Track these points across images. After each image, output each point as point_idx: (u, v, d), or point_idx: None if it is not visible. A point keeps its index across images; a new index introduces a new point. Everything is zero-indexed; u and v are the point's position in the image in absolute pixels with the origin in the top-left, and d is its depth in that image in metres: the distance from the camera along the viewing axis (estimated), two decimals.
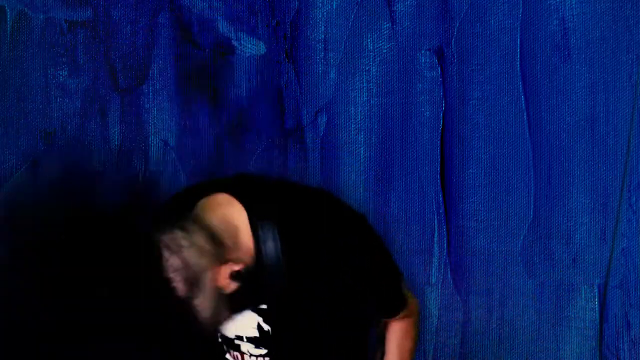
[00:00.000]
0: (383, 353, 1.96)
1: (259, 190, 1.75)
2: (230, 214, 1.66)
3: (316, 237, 1.72)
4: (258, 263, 1.66)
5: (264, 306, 1.80)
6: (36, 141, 2.50)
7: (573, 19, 2.29)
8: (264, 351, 1.90)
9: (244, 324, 1.87)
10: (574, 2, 2.29)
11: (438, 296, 2.40)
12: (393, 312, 1.92)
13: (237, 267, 1.63)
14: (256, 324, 1.86)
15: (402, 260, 2.35)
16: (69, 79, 2.49)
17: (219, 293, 1.63)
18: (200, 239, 1.58)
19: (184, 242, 1.58)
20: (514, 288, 2.39)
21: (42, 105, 2.50)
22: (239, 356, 1.95)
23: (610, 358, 2.35)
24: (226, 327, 1.88)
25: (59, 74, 2.49)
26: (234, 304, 1.70)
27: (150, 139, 2.48)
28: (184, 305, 1.59)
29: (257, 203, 1.69)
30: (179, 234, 1.58)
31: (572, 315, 2.37)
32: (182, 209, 1.66)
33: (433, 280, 2.40)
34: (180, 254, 1.57)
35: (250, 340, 1.89)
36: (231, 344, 1.93)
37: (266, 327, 1.85)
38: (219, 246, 1.60)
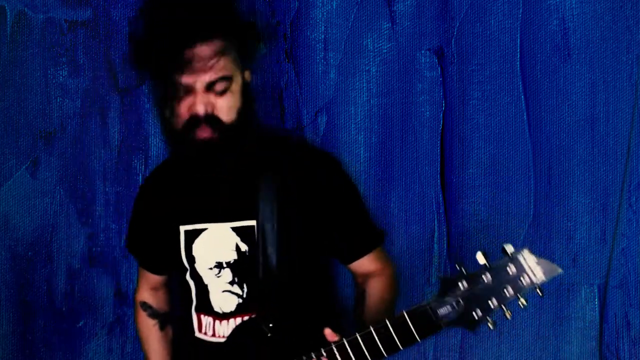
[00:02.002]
0: (363, 305, 2.01)
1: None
2: None
3: (301, 164, 2.00)
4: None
5: (245, 222, 1.97)
6: (36, 141, 2.51)
7: (573, 19, 2.29)
8: (233, 304, 1.97)
9: (223, 248, 2.00)
10: (574, 2, 2.29)
11: None
12: (369, 244, 2.08)
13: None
14: (234, 245, 1.99)
15: (402, 260, 2.36)
16: (69, 79, 2.49)
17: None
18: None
19: None
20: None
21: (42, 105, 2.50)
22: (211, 322, 2.02)
23: (610, 358, 2.35)
24: (206, 258, 2.02)
25: (59, 74, 2.49)
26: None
27: (150, 139, 2.48)
28: None
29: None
30: None
31: (572, 315, 2.37)
32: None
33: (433, 280, 2.40)
34: None
35: (229, 266, 2.00)
36: (205, 300, 2.01)
37: (244, 248, 1.98)
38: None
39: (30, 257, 2.53)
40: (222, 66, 1.87)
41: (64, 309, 2.53)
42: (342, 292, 2.37)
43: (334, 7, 2.38)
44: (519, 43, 2.32)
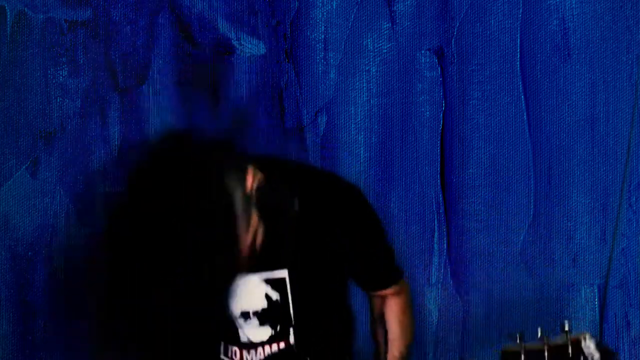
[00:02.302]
0: (385, 330, 1.99)
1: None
2: None
3: (326, 199, 1.85)
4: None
5: (274, 274, 1.85)
6: (36, 141, 2.50)
7: (573, 19, 2.29)
8: (265, 335, 1.91)
9: (252, 297, 1.89)
10: (574, 2, 2.29)
11: (438, 296, 2.40)
12: (389, 280, 2.02)
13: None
14: (264, 294, 1.88)
15: (402, 260, 2.35)
16: (69, 79, 2.49)
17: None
18: None
19: None
20: (514, 288, 2.39)
21: (42, 105, 2.50)
22: (237, 351, 1.96)
23: None
24: (232, 303, 1.90)
25: (59, 74, 2.49)
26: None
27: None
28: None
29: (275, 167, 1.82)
30: None
31: (572, 315, 2.37)
32: None
33: (433, 280, 2.40)
34: None
35: (256, 315, 1.90)
36: (232, 333, 1.94)
37: (274, 297, 1.88)
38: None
39: (30, 257, 2.53)
40: None
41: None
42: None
43: (334, 7, 2.38)
44: (519, 43, 2.32)
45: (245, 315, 1.91)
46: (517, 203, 2.35)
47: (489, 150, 2.35)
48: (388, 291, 2.06)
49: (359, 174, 2.37)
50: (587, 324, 2.37)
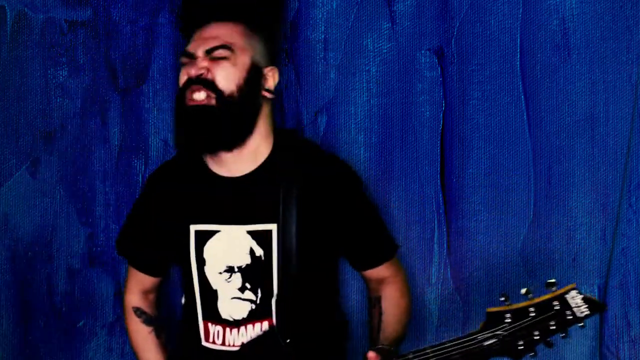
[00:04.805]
0: (380, 312, 2.00)
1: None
2: None
3: (326, 174, 1.98)
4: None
5: (262, 226, 1.92)
6: (36, 141, 2.50)
7: (573, 19, 2.29)
8: (245, 310, 1.92)
9: (236, 252, 1.94)
10: (574, 2, 2.29)
11: (438, 296, 2.40)
12: (383, 255, 2.09)
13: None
14: (249, 249, 1.93)
15: (402, 260, 2.35)
16: (69, 79, 2.49)
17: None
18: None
19: None
20: (514, 288, 2.38)
21: (42, 105, 2.50)
22: (220, 331, 1.97)
23: (610, 358, 2.35)
24: (217, 262, 1.95)
25: (59, 74, 2.49)
26: None
27: (150, 139, 2.48)
28: None
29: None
30: None
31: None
32: None
33: (433, 280, 2.40)
34: None
35: (241, 270, 1.94)
36: (212, 306, 1.97)
37: (259, 252, 1.93)
38: None
39: (30, 257, 2.53)
40: (226, 35, 1.91)
41: (64, 309, 2.53)
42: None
43: (334, 7, 2.38)
44: (519, 43, 2.32)
45: (230, 270, 1.93)
46: (517, 203, 2.35)
47: (489, 150, 2.35)
48: (383, 272, 2.07)
49: (359, 174, 2.37)
50: (587, 324, 2.37)
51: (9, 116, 2.50)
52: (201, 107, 1.86)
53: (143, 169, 2.47)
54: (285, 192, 1.92)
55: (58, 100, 2.49)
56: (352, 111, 2.39)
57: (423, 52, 2.36)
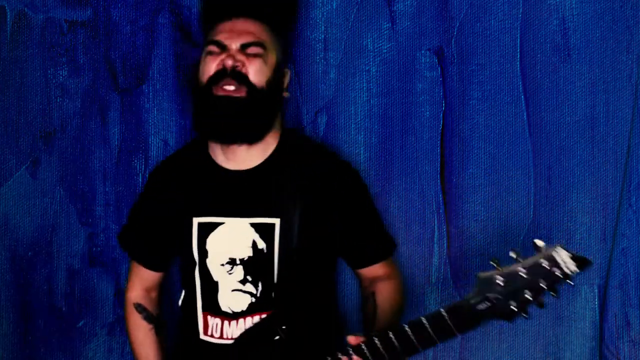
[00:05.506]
0: (375, 307, 2.01)
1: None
2: None
3: (326, 171, 2.02)
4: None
5: (265, 220, 1.95)
6: (36, 141, 2.50)
7: (573, 19, 2.29)
8: (245, 303, 1.93)
9: (239, 244, 1.96)
10: (574, 2, 2.29)
11: (438, 296, 2.40)
12: (380, 253, 2.11)
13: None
14: (251, 242, 1.96)
15: (402, 260, 2.36)
16: (69, 79, 2.49)
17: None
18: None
19: None
20: None
21: (42, 105, 2.50)
22: (219, 324, 1.98)
23: (610, 358, 2.35)
24: (219, 254, 1.97)
25: (59, 74, 2.49)
26: None
27: (150, 139, 2.48)
28: None
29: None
30: None
31: (572, 316, 2.37)
32: None
33: (433, 280, 2.40)
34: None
35: (243, 262, 1.96)
36: (212, 299, 1.97)
37: (261, 245, 1.95)
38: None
39: (30, 257, 2.53)
40: (258, 32, 1.99)
41: (64, 309, 2.53)
42: (345, 293, 2.37)
43: (334, 7, 2.38)
44: (519, 43, 2.32)
45: (232, 262, 1.95)
46: (517, 203, 2.35)
47: (489, 150, 2.35)
48: (379, 271, 2.08)
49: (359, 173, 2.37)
50: (587, 324, 2.37)
51: (9, 116, 2.50)
52: (233, 98, 1.93)
53: (143, 169, 2.47)
54: (290, 186, 1.96)
55: (58, 100, 2.49)
56: (352, 111, 2.39)
57: (423, 52, 2.36)
